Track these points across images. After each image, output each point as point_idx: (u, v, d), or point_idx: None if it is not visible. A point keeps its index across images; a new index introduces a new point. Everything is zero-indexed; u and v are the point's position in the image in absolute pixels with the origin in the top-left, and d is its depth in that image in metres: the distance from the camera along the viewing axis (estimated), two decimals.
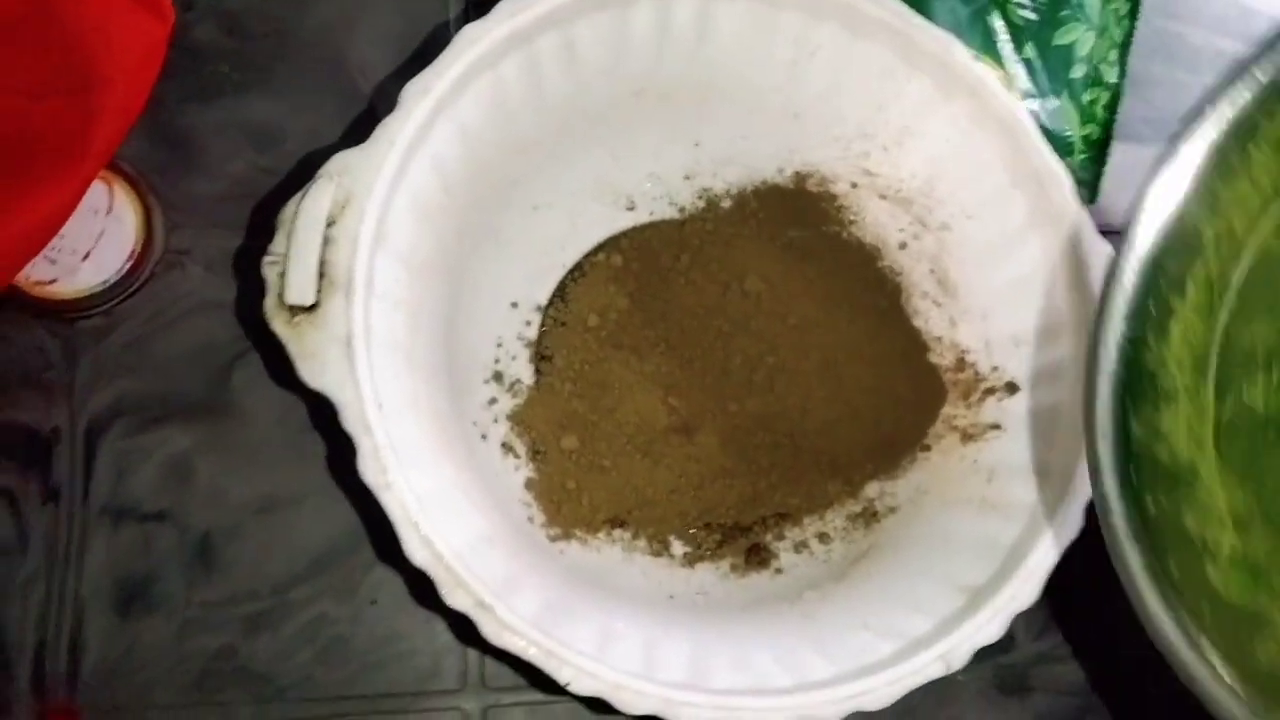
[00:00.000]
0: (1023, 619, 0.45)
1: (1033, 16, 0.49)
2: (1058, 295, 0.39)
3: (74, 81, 0.37)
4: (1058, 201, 0.39)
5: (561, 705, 0.43)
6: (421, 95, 0.35)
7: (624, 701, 0.33)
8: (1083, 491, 0.36)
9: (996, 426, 0.41)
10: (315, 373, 0.33)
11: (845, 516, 0.44)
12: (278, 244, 0.34)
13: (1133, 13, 0.51)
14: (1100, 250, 0.38)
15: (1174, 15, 0.53)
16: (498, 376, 0.44)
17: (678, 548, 0.44)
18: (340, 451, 0.33)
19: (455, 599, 0.33)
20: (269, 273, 0.34)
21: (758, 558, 0.43)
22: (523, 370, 0.45)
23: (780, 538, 0.44)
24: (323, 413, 0.37)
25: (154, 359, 0.44)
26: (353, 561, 0.43)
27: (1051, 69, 0.49)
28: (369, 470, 0.33)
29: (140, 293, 0.44)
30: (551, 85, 0.40)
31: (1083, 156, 0.49)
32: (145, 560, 0.42)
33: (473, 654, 0.43)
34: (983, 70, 0.40)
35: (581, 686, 0.33)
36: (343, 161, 0.34)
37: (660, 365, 0.44)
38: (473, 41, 0.36)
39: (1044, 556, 0.36)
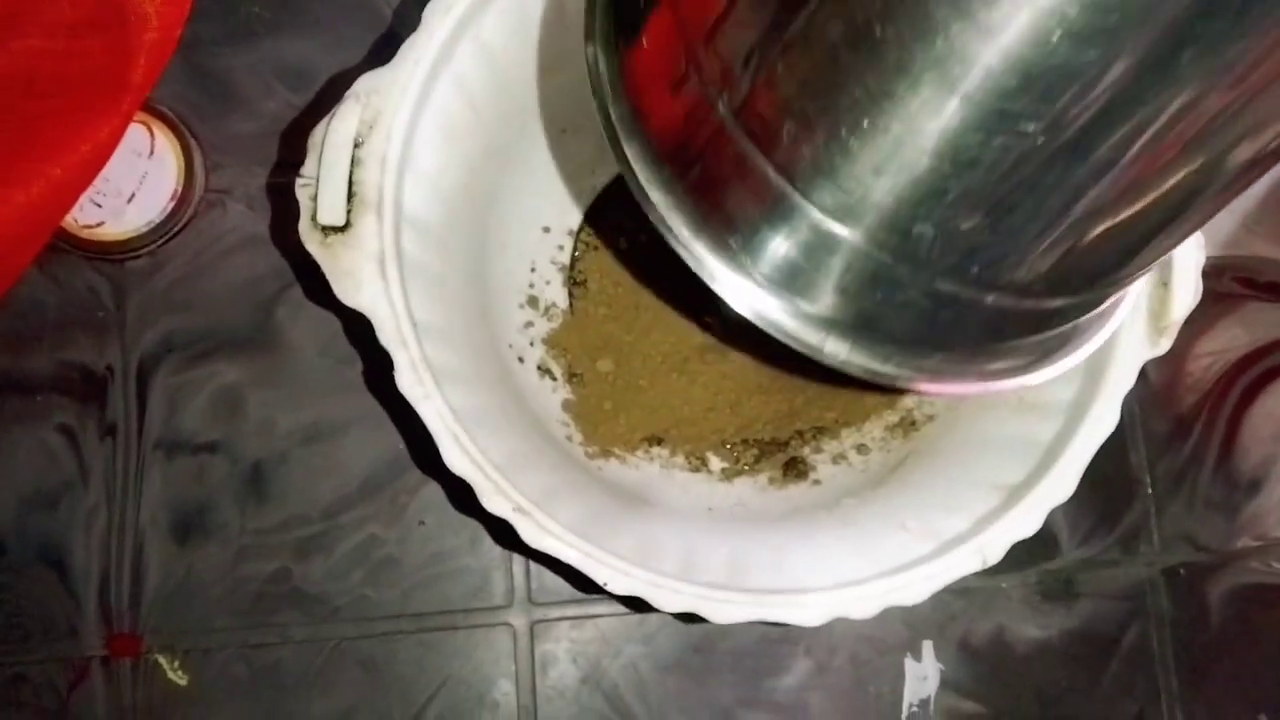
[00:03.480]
0: (1067, 523, 0.46)
1: None
2: None
3: (110, 18, 0.38)
4: None
5: (605, 619, 0.44)
6: (444, 13, 0.35)
7: (660, 600, 0.34)
8: (1119, 386, 0.36)
9: None
10: (350, 291, 0.34)
11: (883, 427, 0.44)
12: (309, 166, 0.35)
13: None
14: None
15: None
16: (532, 301, 0.45)
17: (715, 463, 0.44)
18: (381, 373, 0.34)
19: (494, 504, 0.33)
20: (301, 195, 0.34)
21: (795, 471, 0.44)
22: (557, 294, 0.45)
23: (818, 450, 0.44)
24: (362, 335, 0.38)
25: (200, 296, 0.45)
26: (399, 484, 0.44)
27: None
28: (407, 383, 0.34)
29: (184, 232, 0.45)
30: (577, 14, 0.40)
31: None
32: (199, 490, 0.44)
33: (519, 571, 0.44)
34: None
35: (618, 586, 0.34)
36: (369, 82, 0.35)
37: (692, 284, 0.45)
38: None
39: (1080, 450, 0.36)
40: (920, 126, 0.22)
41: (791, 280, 0.27)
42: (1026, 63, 0.20)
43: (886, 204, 0.24)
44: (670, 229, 0.28)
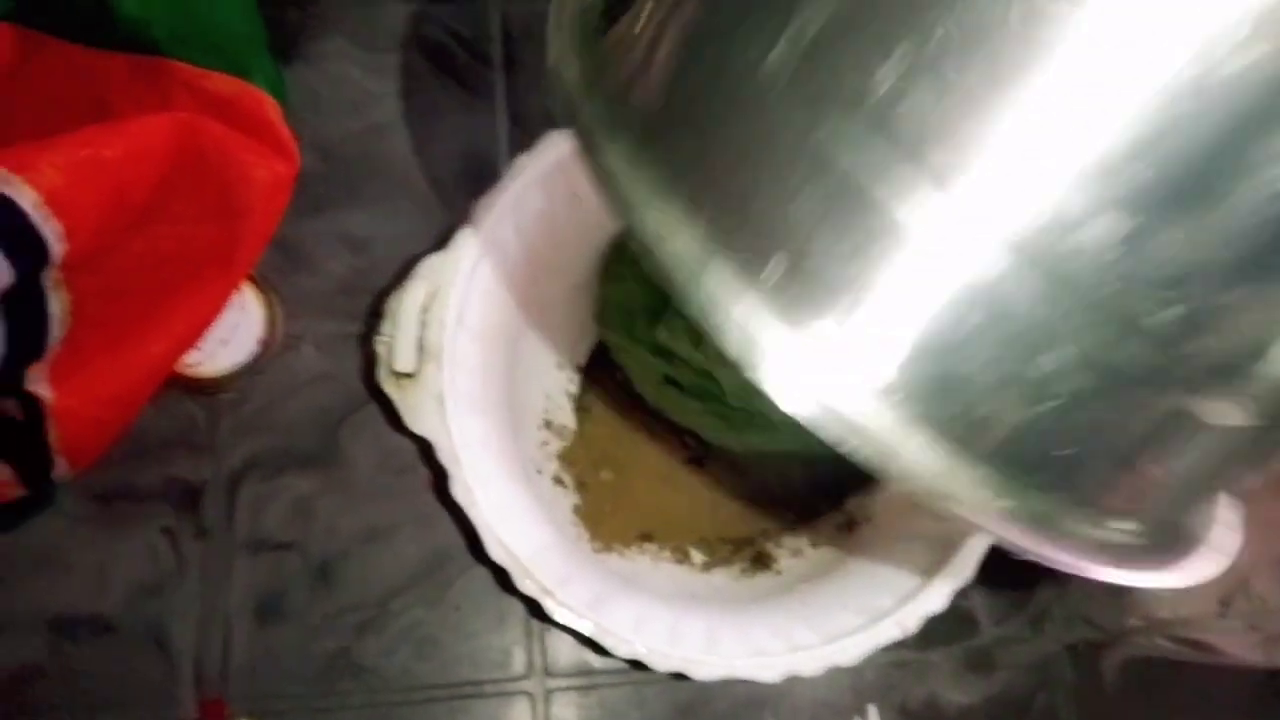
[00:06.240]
0: (986, 607, 0.56)
1: None
2: None
3: (225, 211, 0.49)
4: None
5: (606, 688, 0.54)
6: (487, 212, 0.47)
7: (655, 663, 0.44)
8: None
9: None
10: (418, 421, 0.45)
11: (832, 526, 0.54)
12: (385, 328, 0.46)
13: None
14: None
15: None
16: (548, 424, 0.55)
17: (696, 557, 0.54)
18: (439, 482, 0.44)
19: (525, 586, 0.44)
20: (380, 349, 0.45)
21: (762, 562, 0.54)
22: (567, 418, 0.56)
23: (780, 545, 0.54)
24: (413, 454, 0.49)
25: (279, 422, 0.55)
26: (438, 577, 0.54)
27: None
28: (459, 492, 0.44)
29: (266, 370, 0.56)
30: (586, 195, 0.51)
31: None
32: (277, 581, 0.54)
33: (536, 646, 0.54)
34: None
35: (622, 652, 0.44)
36: (431, 263, 0.46)
37: None
38: (524, 168, 0.48)
39: (980, 542, 0.46)
40: None
41: (859, 337, 0.19)
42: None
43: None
44: (670, 247, 0.21)
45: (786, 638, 0.46)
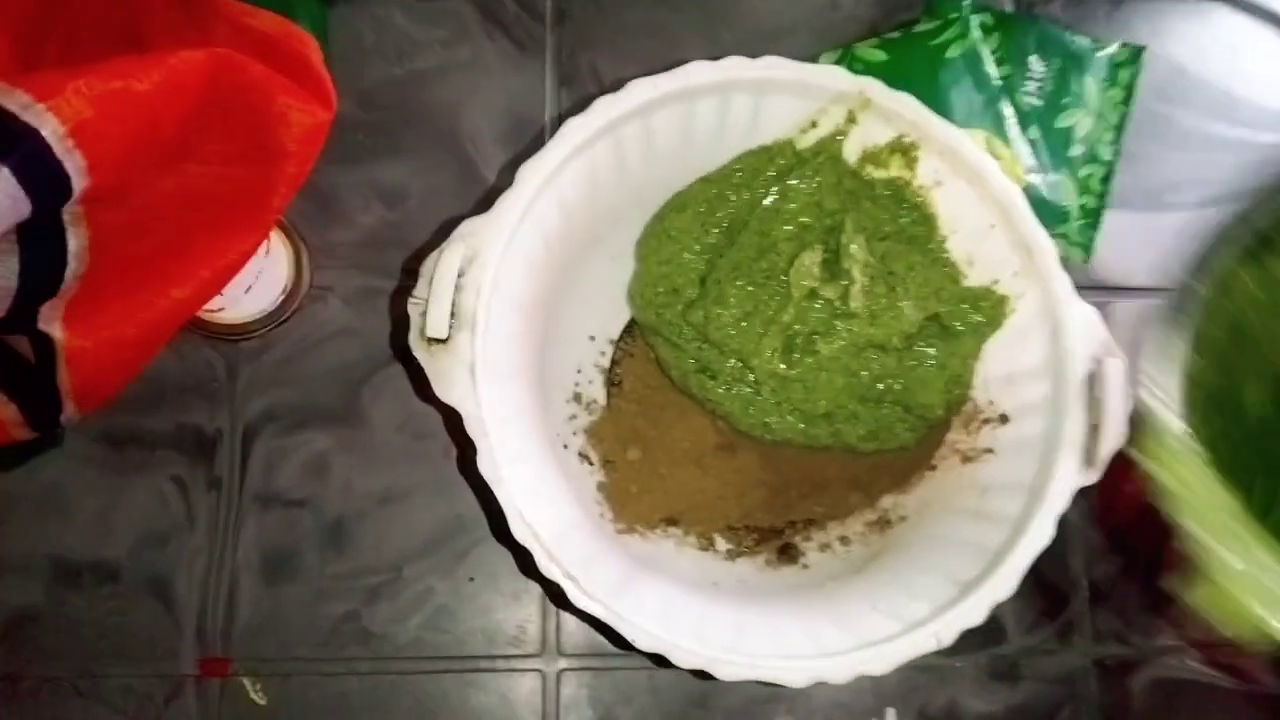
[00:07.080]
0: (1015, 615, 0.54)
1: (1038, 103, 0.58)
2: (1041, 344, 0.47)
3: (259, 154, 0.47)
4: (1043, 266, 0.47)
5: (620, 671, 0.52)
6: (533, 175, 0.44)
7: (678, 658, 0.42)
8: (1055, 506, 0.44)
9: (990, 450, 0.49)
10: (446, 390, 0.43)
11: (863, 523, 0.52)
12: (420, 290, 0.43)
13: (1127, 99, 0.59)
14: (1076, 310, 0.46)
15: (1167, 100, 0.62)
16: (577, 397, 0.53)
17: (721, 544, 0.52)
18: (461, 452, 0.42)
19: (548, 570, 0.42)
20: (413, 312, 0.43)
21: (788, 555, 0.52)
22: (597, 393, 0.54)
23: (808, 539, 0.52)
24: (435, 418, 0.47)
25: (300, 375, 0.54)
26: (454, 545, 0.53)
27: (1053, 148, 0.58)
28: (486, 466, 0.42)
29: (290, 320, 0.54)
30: (632, 165, 0.49)
31: (1079, 223, 0.58)
32: (288, 539, 0.52)
33: (550, 623, 0.52)
34: (985, 158, 0.48)
35: (644, 644, 0.42)
36: (471, 226, 0.44)
37: None
38: (574, 131, 0.45)
39: (1021, 557, 0.44)
40: None
41: None
42: None
43: None
44: None
45: (816, 639, 0.44)
